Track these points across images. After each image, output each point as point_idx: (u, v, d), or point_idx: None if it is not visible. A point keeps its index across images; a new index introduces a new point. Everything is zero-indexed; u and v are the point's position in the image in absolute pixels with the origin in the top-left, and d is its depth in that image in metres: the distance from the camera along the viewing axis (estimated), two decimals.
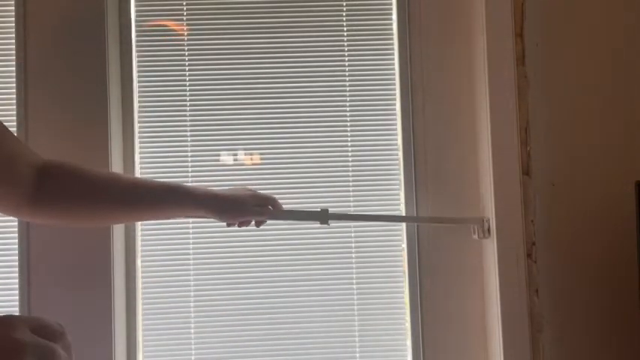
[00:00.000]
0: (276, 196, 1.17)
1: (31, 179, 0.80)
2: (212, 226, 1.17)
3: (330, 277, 1.19)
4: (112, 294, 1.09)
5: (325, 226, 1.09)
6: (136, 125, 1.19)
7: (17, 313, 1.09)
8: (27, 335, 0.50)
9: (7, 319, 0.51)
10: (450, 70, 1.19)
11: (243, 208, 0.95)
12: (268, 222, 1.15)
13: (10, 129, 0.79)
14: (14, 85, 1.12)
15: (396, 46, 1.22)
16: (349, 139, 1.20)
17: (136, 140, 1.19)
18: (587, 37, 1.14)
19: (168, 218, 1.11)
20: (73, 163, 0.87)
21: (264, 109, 1.20)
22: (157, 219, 1.13)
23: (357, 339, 1.18)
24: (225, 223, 0.97)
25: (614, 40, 1.14)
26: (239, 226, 0.98)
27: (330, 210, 1.17)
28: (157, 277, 1.18)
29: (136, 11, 1.20)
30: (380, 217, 1.17)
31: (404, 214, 1.19)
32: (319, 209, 1.04)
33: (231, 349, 1.17)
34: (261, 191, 1.02)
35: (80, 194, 0.84)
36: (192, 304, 1.17)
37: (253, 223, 1.00)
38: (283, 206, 1.02)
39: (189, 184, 1.06)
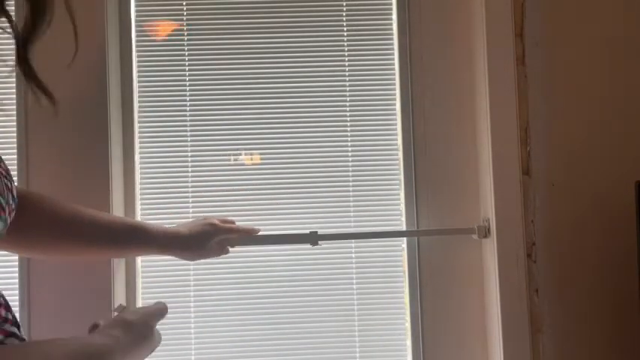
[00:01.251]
0: (276, 196, 1.18)
1: None
2: None
3: (330, 277, 1.19)
4: (112, 294, 1.09)
5: (321, 235, 1.11)
6: (136, 125, 1.19)
7: (15, 312, 1.09)
8: (155, 325, 0.62)
9: (151, 310, 0.63)
10: (450, 70, 1.19)
11: (207, 244, 0.99)
12: (267, 222, 1.16)
13: (8, 133, 0.79)
14: (14, 85, 1.12)
15: (396, 46, 1.21)
16: (349, 139, 1.20)
17: (136, 140, 1.19)
18: (587, 37, 1.14)
19: (133, 257, 1.15)
20: (39, 196, 0.87)
21: (264, 109, 1.20)
22: (120, 257, 1.13)
23: (357, 339, 1.18)
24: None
25: (615, 40, 1.14)
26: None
27: (330, 211, 1.19)
28: (156, 277, 1.18)
29: (136, 11, 1.20)
30: (375, 234, 1.16)
31: (404, 212, 1.19)
32: (309, 231, 1.09)
33: (231, 349, 1.17)
34: (221, 217, 1.06)
35: (40, 227, 0.85)
36: (192, 304, 1.17)
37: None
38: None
39: (155, 224, 1.01)
